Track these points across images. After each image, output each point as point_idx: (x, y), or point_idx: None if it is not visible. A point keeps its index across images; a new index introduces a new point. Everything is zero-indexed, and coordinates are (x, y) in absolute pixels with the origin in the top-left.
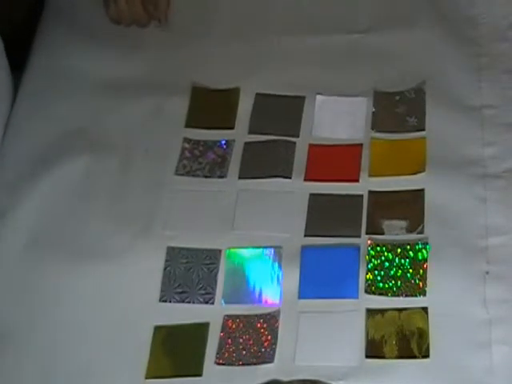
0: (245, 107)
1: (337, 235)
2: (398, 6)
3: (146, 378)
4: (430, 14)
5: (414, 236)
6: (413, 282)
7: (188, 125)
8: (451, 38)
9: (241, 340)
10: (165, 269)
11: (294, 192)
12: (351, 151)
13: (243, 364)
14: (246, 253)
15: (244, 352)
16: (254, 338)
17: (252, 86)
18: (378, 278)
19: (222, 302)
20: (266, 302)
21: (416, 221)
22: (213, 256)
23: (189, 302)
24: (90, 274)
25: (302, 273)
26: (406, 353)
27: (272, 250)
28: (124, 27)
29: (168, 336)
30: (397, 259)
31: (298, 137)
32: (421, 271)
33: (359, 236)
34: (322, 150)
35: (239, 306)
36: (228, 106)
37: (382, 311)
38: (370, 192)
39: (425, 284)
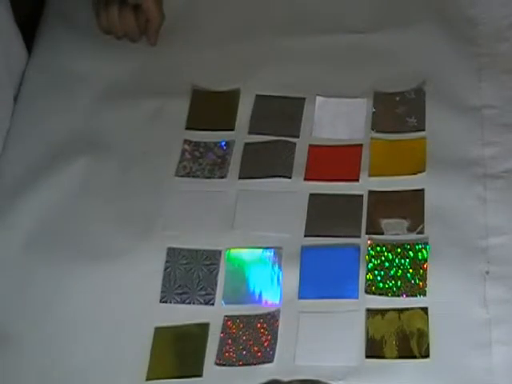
0: (245, 108)
1: (337, 235)
2: (398, 5)
3: (147, 379)
4: (430, 14)
5: (413, 236)
6: (413, 282)
7: (188, 127)
8: (451, 37)
9: (241, 340)
10: (165, 270)
11: (293, 192)
12: (351, 151)
13: (243, 364)
14: (246, 253)
15: (244, 352)
16: (254, 338)
17: (252, 87)
18: (378, 278)
19: (223, 302)
20: (266, 302)
21: (416, 221)
22: (213, 257)
23: (189, 303)
24: (89, 275)
25: (302, 273)
26: (406, 353)
27: (272, 251)
28: (115, 39)
29: (168, 337)
30: (397, 259)
31: (298, 137)
32: (421, 271)
33: (359, 236)
34: (322, 151)
35: (239, 306)
36: (228, 107)
37: (382, 311)
38: (370, 192)
39: (425, 284)
